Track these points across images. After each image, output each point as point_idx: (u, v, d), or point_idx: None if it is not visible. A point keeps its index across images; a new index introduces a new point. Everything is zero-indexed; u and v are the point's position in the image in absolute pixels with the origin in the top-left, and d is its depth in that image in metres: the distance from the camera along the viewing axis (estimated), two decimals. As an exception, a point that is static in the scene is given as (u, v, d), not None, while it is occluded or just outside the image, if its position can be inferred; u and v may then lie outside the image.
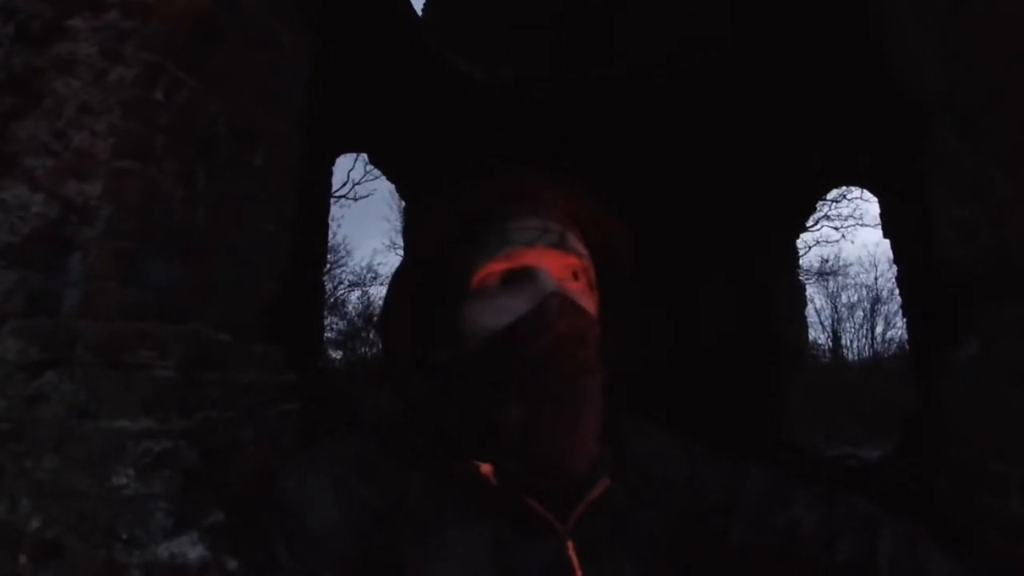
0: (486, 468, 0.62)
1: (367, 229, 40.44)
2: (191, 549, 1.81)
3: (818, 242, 19.53)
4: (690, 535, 0.76)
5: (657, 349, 6.00)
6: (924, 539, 0.72)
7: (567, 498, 0.66)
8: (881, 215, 4.93)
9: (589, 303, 0.70)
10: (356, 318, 17.21)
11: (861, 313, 19.33)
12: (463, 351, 0.67)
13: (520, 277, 0.67)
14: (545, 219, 0.70)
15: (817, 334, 17.81)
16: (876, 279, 21.86)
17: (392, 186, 7.95)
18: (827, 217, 18.27)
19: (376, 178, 19.23)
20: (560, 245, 0.69)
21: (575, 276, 0.70)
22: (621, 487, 0.72)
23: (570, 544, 0.65)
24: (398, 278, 0.73)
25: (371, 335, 16.07)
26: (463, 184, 0.72)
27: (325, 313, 8.81)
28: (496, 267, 0.67)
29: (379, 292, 27.58)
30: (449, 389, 0.67)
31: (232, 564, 1.88)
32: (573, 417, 0.63)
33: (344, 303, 17.89)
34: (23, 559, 1.67)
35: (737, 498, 0.77)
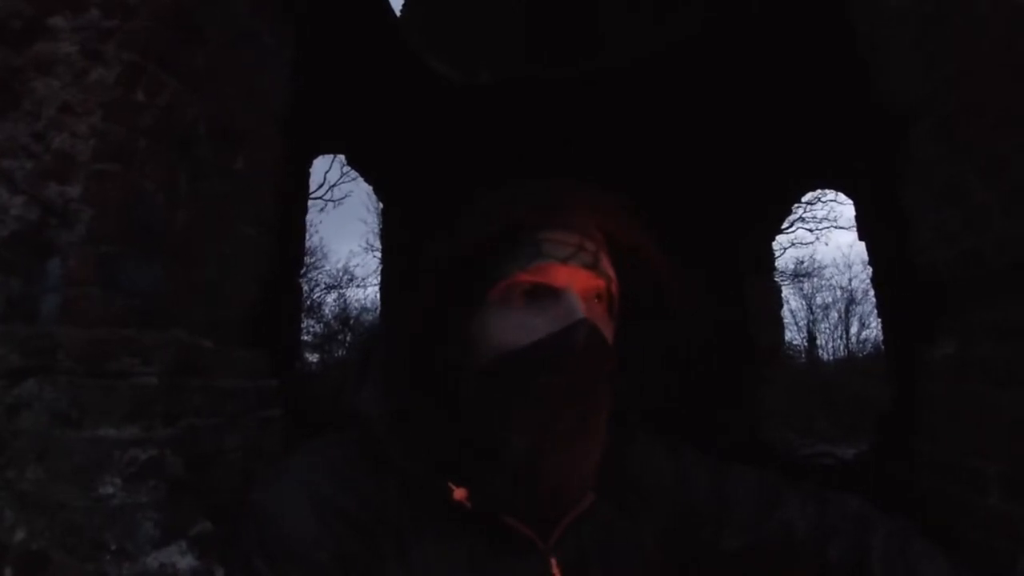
0: (459, 493, 0.61)
1: (343, 231, 39.99)
2: (180, 559, 1.77)
3: (793, 244, 19.90)
4: (682, 543, 0.75)
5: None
6: (916, 537, 0.72)
7: (551, 514, 0.65)
8: (856, 217, 4.99)
9: (608, 331, 0.67)
10: (332, 320, 17.05)
11: (836, 314, 19.64)
12: (475, 363, 0.63)
13: (547, 295, 0.63)
14: (582, 236, 0.65)
15: (793, 335, 18.07)
16: (850, 280, 22.29)
17: (369, 188, 7.88)
18: (802, 219, 18.56)
19: (353, 179, 19.15)
20: (593, 267, 0.65)
21: (599, 298, 0.67)
22: (608, 500, 0.70)
23: (553, 561, 0.64)
24: (417, 281, 0.68)
25: (347, 338, 15.92)
26: (502, 191, 0.68)
27: (302, 316, 8.70)
28: (524, 279, 0.63)
29: (355, 294, 27.37)
30: (449, 401, 0.64)
31: (221, 574, 1.85)
32: (577, 454, 0.62)
33: (320, 306, 17.70)
34: (8, 572, 1.62)
35: (728, 505, 0.76)
